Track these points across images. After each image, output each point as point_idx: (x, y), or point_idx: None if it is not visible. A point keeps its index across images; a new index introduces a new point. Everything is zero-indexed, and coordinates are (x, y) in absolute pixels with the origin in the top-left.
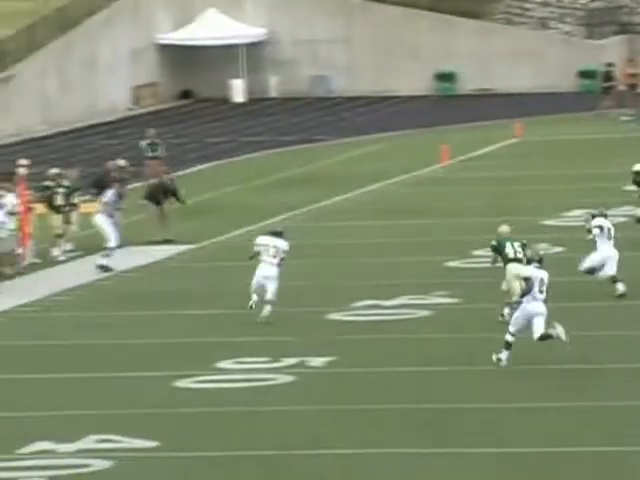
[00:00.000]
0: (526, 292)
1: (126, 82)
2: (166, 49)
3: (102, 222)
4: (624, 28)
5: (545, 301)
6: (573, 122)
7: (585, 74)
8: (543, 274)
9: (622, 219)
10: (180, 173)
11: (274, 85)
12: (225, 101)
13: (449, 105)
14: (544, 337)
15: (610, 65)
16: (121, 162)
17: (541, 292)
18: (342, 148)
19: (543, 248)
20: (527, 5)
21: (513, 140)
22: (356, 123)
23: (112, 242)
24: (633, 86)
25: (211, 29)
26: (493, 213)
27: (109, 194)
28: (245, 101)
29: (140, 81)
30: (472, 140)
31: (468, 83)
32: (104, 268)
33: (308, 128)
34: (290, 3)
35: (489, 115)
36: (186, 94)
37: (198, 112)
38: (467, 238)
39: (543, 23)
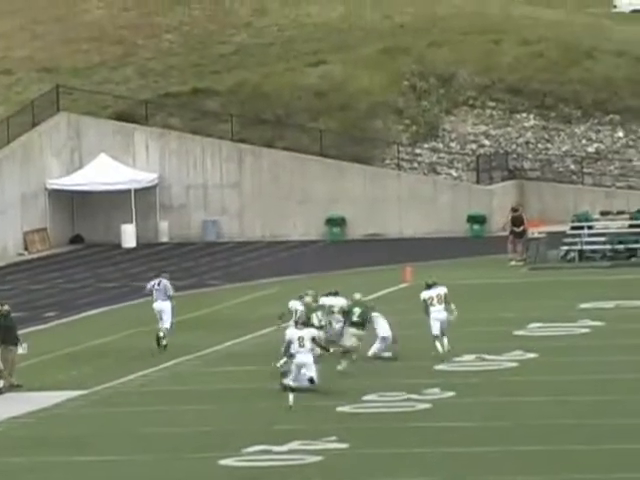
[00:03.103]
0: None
1: (16, 227)
2: (57, 194)
3: None
4: (513, 174)
5: (310, 350)
6: (463, 267)
7: (474, 219)
8: (302, 333)
9: (511, 364)
10: (75, 317)
11: (165, 230)
12: (116, 246)
13: (340, 250)
14: (311, 381)
15: (516, 210)
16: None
17: (301, 346)
18: (234, 293)
19: (434, 392)
20: (417, 151)
21: (402, 285)
22: (247, 268)
23: None
24: (523, 232)
25: (102, 174)
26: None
27: None
28: (136, 246)
29: (31, 226)
30: (362, 285)
31: (358, 228)
32: None
33: (200, 273)
34: (180, 148)
35: (379, 260)
36: (77, 239)
37: (89, 257)
38: (359, 383)
39: (433, 168)
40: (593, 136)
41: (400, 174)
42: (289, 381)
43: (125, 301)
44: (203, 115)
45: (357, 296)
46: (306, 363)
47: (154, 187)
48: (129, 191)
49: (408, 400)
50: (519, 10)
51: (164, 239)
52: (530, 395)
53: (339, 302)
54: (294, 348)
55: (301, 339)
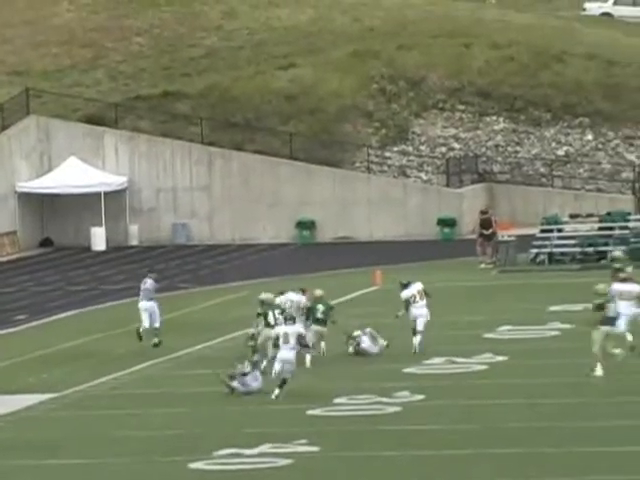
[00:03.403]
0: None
1: None
2: (26, 197)
3: None
4: (482, 177)
5: (292, 349)
6: (433, 270)
7: (444, 222)
8: (288, 329)
9: (481, 367)
10: (45, 321)
11: (135, 233)
12: (86, 249)
13: (310, 253)
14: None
15: (485, 213)
16: None
17: (286, 342)
18: (204, 296)
19: (404, 395)
20: (387, 154)
21: (372, 288)
22: (217, 271)
23: None
24: (492, 234)
25: (71, 177)
26: (363, 360)
27: None
28: (106, 249)
29: (0, 229)
30: (332, 288)
31: (328, 231)
32: None
33: (170, 276)
34: (150, 151)
35: (349, 263)
36: (46, 242)
37: (59, 260)
38: (329, 386)
39: (402, 171)
40: (562, 139)
41: (370, 177)
42: (237, 384)
43: (95, 304)
44: (173, 118)
45: (318, 292)
46: (288, 359)
47: (124, 190)
48: (99, 194)
49: (378, 403)
50: (489, 14)
51: (134, 242)
52: (500, 398)
53: (301, 299)
54: (278, 343)
55: (286, 335)
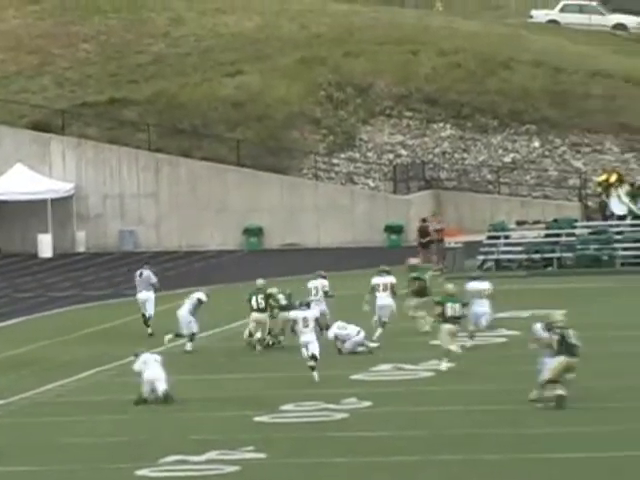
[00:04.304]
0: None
1: None
2: None
3: None
4: (429, 183)
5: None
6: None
7: (391, 229)
8: (306, 314)
9: (428, 374)
10: None
11: (82, 240)
12: (33, 256)
13: (257, 260)
14: (313, 357)
15: (424, 221)
16: None
17: (306, 326)
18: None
19: (351, 402)
20: (334, 160)
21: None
22: (165, 278)
23: None
24: (439, 241)
25: (18, 184)
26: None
27: None
28: (53, 256)
29: None
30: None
31: (276, 238)
32: None
33: (117, 283)
34: (97, 157)
35: (297, 270)
36: None
37: (5, 267)
38: (276, 393)
39: (350, 178)
40: (509, 146)
41: (317, 184)
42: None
43: (42, 311)
44: (120, 125)
45: (260, 282)
46: (310, 341)
47: (71, 197)
48: (46, 201)
49: (325, 410)
50: (436, 21)
51: (81, 249)
52: (446, 405)
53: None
54: (299, 328)
55: (305, 320)
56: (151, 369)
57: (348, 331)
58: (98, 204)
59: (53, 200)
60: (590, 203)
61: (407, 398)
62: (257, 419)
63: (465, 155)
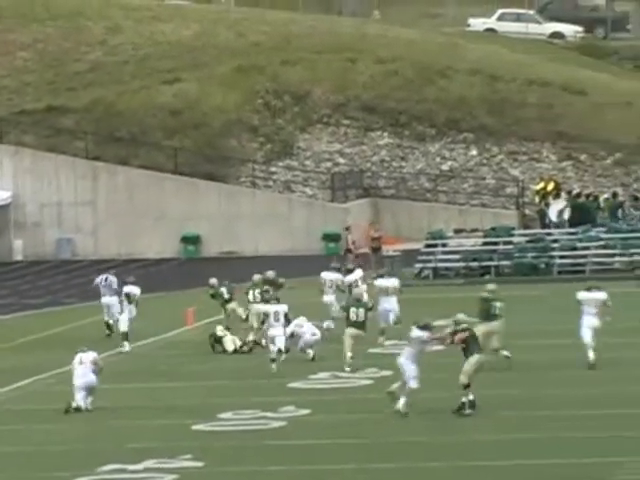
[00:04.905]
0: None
1: None
2: None
3: None
4: (367, 192)
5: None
6: (318, 285)
7: (329, 237)
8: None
9: (366, 382)
10: None
11: (19, 248)
12: None
13: (195, 267)
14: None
15: (347, 229)
16: None
17: (276, 320)
18: (89, 311)
19: (289, 410)
20: (272, 169)
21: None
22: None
23: None
24: (376, 249)
25: None
26: (249, 375)
27: None
28: None
29: None
30: (216, 303)
31: (214, 245)
32: None
33: (55, 291)
34: (34, 166)
35: (235, 278)
36: None
37: None
38: (214, 401)
39: (288, 186)
40: (447, 154)
41: (255, 192)
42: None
43: None
44: (57, 133)
45: (213, 281)
46: (278, 335)
47: (8, 205)
48: None
49: (263, 418)
50: (374, 29)
51: (18, 257)
52: (385, 412)
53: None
54: (270, 321)
55: (277, 314)
56: (81, 375)
57: (303, 329)
58: (35, 212)
59: None
60: (527, 211)
61: (346, 406)
62: (195, 427)
63: (403, 163)
